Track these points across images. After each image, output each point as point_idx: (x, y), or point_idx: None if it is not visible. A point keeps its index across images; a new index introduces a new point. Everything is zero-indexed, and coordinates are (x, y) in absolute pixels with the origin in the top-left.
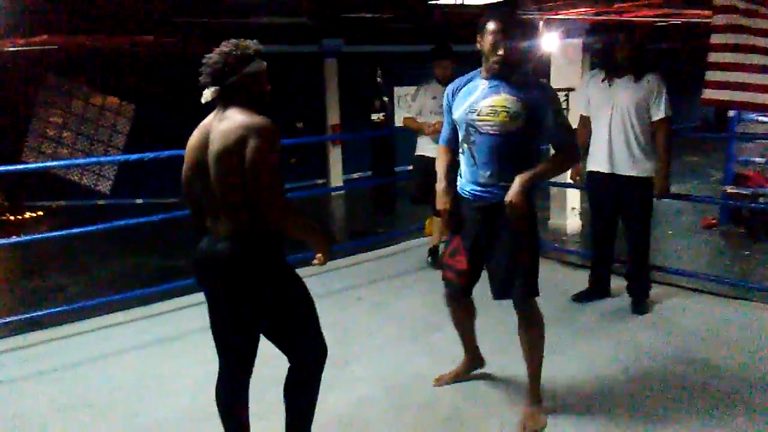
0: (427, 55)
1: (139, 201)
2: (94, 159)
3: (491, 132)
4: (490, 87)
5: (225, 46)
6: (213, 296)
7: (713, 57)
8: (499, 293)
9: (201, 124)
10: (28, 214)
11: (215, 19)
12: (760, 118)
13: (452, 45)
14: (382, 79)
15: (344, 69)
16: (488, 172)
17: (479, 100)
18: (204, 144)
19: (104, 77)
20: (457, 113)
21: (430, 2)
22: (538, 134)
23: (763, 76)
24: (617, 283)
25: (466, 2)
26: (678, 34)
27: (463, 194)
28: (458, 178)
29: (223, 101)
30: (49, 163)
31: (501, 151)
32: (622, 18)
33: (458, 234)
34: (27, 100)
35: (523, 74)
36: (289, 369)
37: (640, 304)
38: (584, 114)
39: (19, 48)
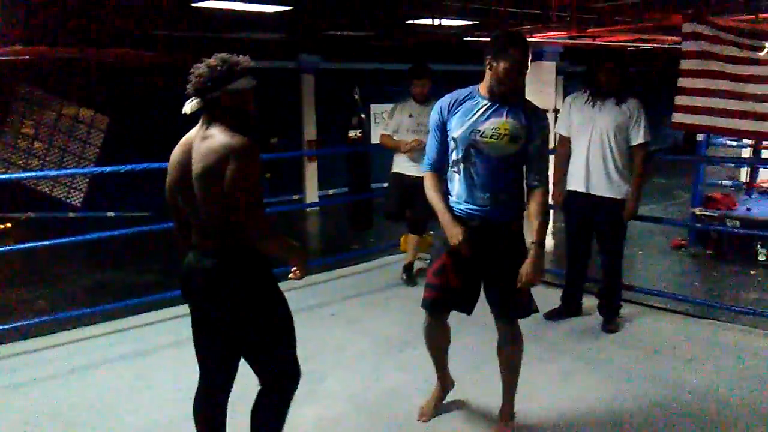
0: (405, 74)
1: (111, 214)
2: (68, 171)
3: (493, 154)
4: (493, 108)
5: (213, 60)
6: (197, 311)
7: (682, 82)
8: (501, 311)
9: (184, 138)
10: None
11: (193, 33)
12: (728, 142)
13: (429, 64)
14: (359, 96)
15: (321, 85)
16: (486, 194)
17: (482, 120)
18: (186, 160)
19: (78, 88)
20: (457, 132)
21: (407, 21)
22: (526, 157)
23: (730, 101)
24: (589, 301)
25: (442, 23)
26: (649, 58)
27: (456, 212)
28: (449, 193)
29: (206, 116)
30: (20, 174)
31: (500, 172)
32: (595, 42)
33: (445, 251)
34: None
35: (521, 97)
36: (260, 391)
37: (611, 323)
38: (564, 135)
39: None
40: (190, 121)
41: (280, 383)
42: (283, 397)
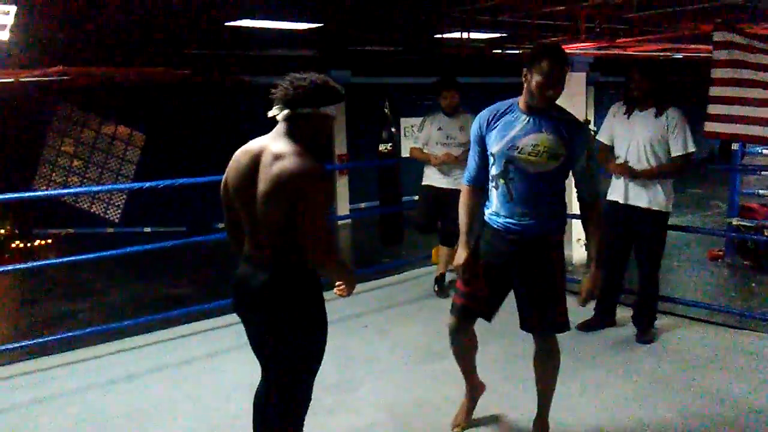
0: (433, 87)
1: (148, 229)
2: (107, 187)
3: (531, 171)
4: (532, 123)
5: (317, 77)
6: (248, 321)
7: (714, 91)
8: (533, 326)
9: (253, 143)
10: (37, 242)
11: (224, 51)
12: (764, 151)
13: (457, 77)
14: (389, 109)
15: (351, 100)
16: (525, 209)
17: (521, 136)
18: (253, 169)
19: (116, 107)
20: (496, 148)
21: (435, 36)
22: (570, 172)
23: (763, 110)
24: (622, 312)
25: (471, 36)
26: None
27: (493, 224)
28: (486, 205)
29: (285, 128)
30: (58, 191)
31: (539, 188)
32: (625, 52)
33: (479, 259)
34: (40, 130)
35: (561, 110)
36: (270, 415)
37: (646, 334)
38: (605, 143)
39: (34, 78)
40: (224, 137)
41: (290, 404)
42: (294, 416)
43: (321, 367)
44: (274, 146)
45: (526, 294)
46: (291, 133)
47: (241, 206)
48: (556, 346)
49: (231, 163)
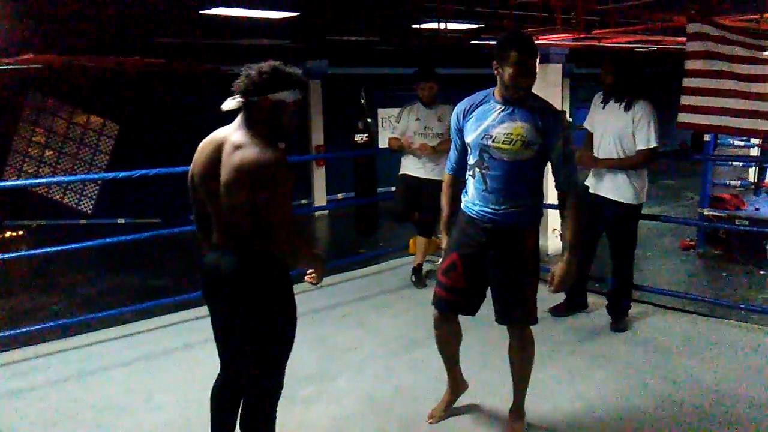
0: (411, 77)
1: (121, 221)
2: (80, 177)
3: (505, 159)
4: (506, 112)
5: (267, 65)
6: (215, 311)
7: (688, 82)
8: (503, 318)
9: (217, 133)
10: (8, 233)
11: (199, 40)
12: (736, 142)
13: (437, 68)
14: (365, 100)
15: (328, 90)
16: (500, 197)
17: (495, 125)
18: (216, 159)
19: (88, 97)
20: (471, 137)
21: (413, 26)
22: (547, 160)
23: (735, 101)
24: (598, 300)
25: (448, 26)
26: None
27: (469, 212)
28: (463, 194)
29: (242, 118)
30: (29, 181)
31: (514, 177)
32: (600, 44)
33: (454, 251)
34: (9, 119)
35: (537, 99)
36: (244, 404)
37: (620, 323)
38: (589, 129)
39: (4, 67)
40: (199, 127)
41: (261, 392)
42: (263, 408)
43: (299, 358)
44: (234, 136)
45: (498, 284)
46: (249, 123)
47: (206, 196)
48: (530, 336)
49: (196, 153)
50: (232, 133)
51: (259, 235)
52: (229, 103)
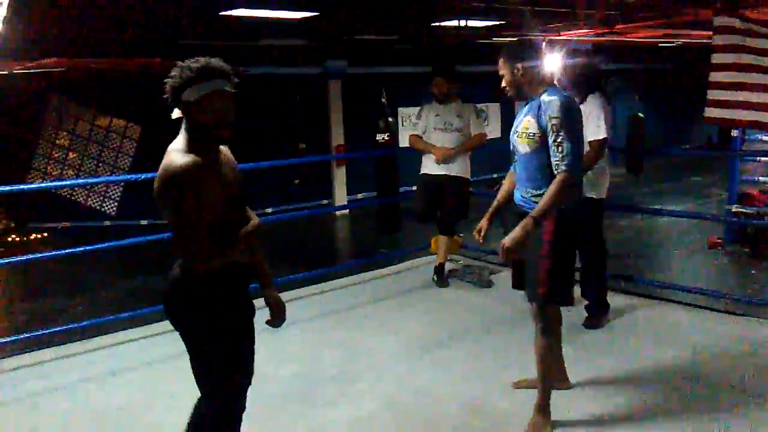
0: (428, 75)
1: (144, 222)
2: (104, 178)
3: (521, 150)
4: (524, 110)
5: (183, 63)
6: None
7: (714, 76)
8: (526, 294)
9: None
10: (33, 236)
11: (220, 42)
12: (764, 137)
13: (457, 65)
14: (386, 99)
15: (348, 90)
16: (521, 186)
17: (518, 122)
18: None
19: (111, 99)
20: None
21: (432, 24)
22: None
23: (763, 95)
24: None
25: (469, 24)
26: (680, 54)
27: (514, 198)
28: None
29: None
30: (53, 183)
31: (529, 167)
32: (623, 39)
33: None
34: (34, 122)
35: (541, 93)
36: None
37: (592, 320)
38: None
39: (28, 70)
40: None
41: (198, 413)
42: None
43: (320, 358)
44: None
45: (525, 263)
46: (185, 127)
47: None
48: (549, 323)
49: None
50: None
51: (183, 247)
52: (175, 113)
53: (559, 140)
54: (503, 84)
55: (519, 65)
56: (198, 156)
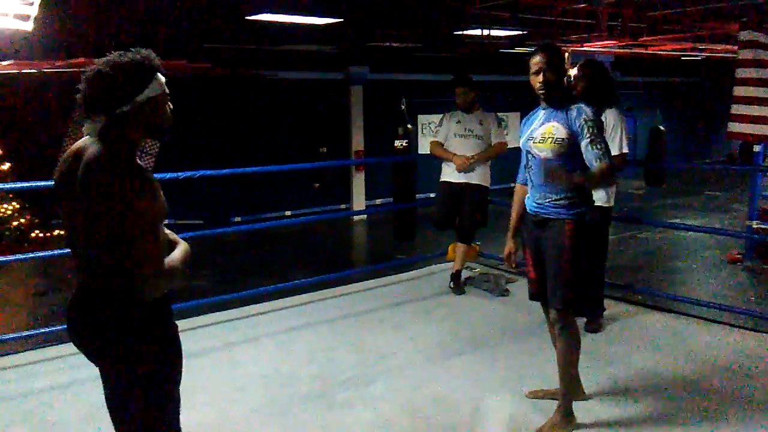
0: (449, 84)
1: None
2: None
3: (541, 156)
4: (545, 115)
5: (114, 61)
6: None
7: (739, 91)
8: (548, 300)
9: (73, 147)
10: (56, 232)
11: (244, 45)
12: None
13: (473, 74)
14: (406, 106)
15: (369, 96)
16: (538, 193)
17: (537, 128)
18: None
19: None
20: (521, 141)
21: (455, 32)
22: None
23: None
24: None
25: (491, 33)
26: (703, 68)
27: (527, 209)
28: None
29: (103, 134)
30: None
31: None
32: (647, 51)
33: (524, 245)
34: (61, 121)
35: (566, 99)
36: None
37: (593, 324)
38: None
39: (58, 69)
40: (241, 131)
41: None
42: None
43: (336, 362)
44: (86, 146)
45: (546, 270)
46: (116, 135)
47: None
48: (567, 327)
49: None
50: (88, 146)
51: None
52: (92, 128)
53: (597, 139)
54: (542, 80)
55: (566, 71)
56: (138, 166)
